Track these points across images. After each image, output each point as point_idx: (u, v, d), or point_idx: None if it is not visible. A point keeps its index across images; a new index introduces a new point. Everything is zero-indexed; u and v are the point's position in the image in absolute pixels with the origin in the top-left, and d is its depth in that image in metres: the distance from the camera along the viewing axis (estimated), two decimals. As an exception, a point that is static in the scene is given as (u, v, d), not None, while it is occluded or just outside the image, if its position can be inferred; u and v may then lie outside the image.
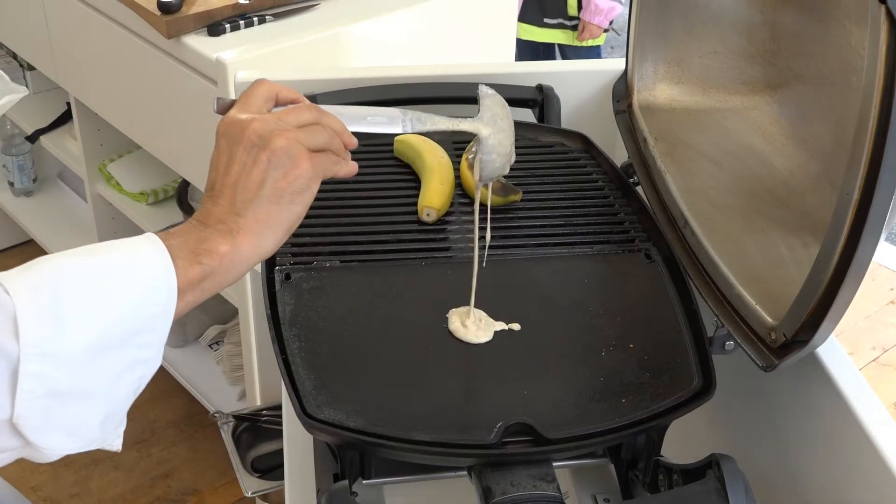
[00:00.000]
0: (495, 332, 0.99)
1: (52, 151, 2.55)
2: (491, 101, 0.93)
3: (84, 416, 0.69)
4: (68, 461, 2.24)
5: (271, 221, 0.79)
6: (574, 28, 3.27)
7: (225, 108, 0.84)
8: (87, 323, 0.67)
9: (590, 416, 0.91)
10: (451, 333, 0.99)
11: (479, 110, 0.94)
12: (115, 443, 0.74)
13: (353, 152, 1.26)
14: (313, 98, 1.30)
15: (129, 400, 0.72)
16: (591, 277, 1.09)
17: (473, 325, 0.99)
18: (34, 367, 0.64)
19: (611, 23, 3.26)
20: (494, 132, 0.92)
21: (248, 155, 0.79)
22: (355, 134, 0.87)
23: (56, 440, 0.68)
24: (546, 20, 3.29)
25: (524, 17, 3.29)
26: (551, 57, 3.50)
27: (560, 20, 3.28)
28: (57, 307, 0.66)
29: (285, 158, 0.80)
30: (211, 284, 0.76)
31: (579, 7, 3.22)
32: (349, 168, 0.86)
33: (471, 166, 1.17)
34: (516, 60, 3.30)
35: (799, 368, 0.97)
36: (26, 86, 2.58)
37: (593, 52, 3.38)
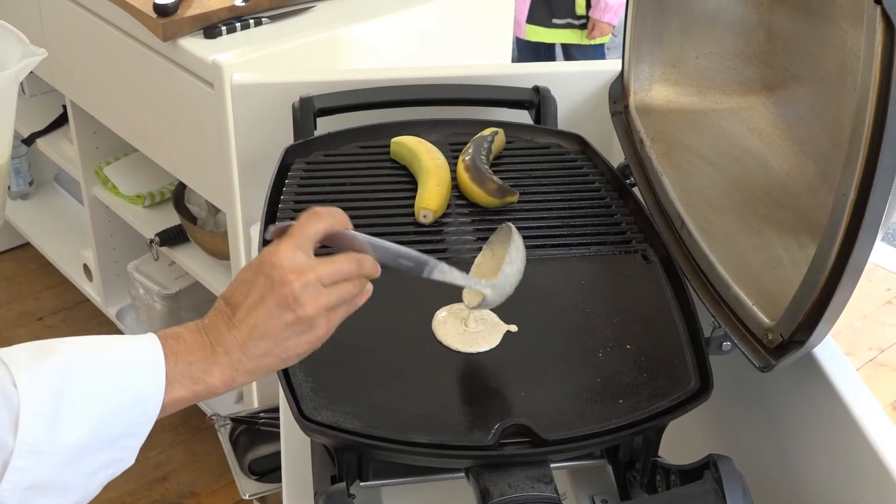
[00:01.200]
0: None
1: (49, 154, 2.55)
2: (515, 252, 0.95)
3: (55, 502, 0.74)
4: (65, 464, 2.23)
5: (268, 370, 0.84)
6: (582, 27, 3.28)
7: (277, 235, 0.85)
8: (79, 425, 0.73)
9: (587, 417, 0.91)
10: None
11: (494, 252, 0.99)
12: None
13: (350, 154, 1.26)
14: (309, 101, 1.30)
15: (96, 492, 0.78)
16: (589, 278, 1.09)
17: (473, 333, 0.99)
18: (23, 463, 0.70)
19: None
20: (498, 291, 0.94)
21: (278, 309, 0.81)
22: None
23: None
24: (555, 20, 3.30)
25: (532, 18, 3.30)
26: (552, 58, 3.50)
27: (568, 20, 3.28)
28: (56, 408, 0.72)
29: (307, 327, 0.82)
30: (182, 406, 0.82)
31: (587, 6, 3.23)
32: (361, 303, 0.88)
33: (467, 168, 1.18)
34: (517, 62, 3.31)
35: (796, 369, 0.97)
36: (22, 90, 2.58)
37: (598, 51, 3.38)
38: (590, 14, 3.23)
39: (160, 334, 0.80)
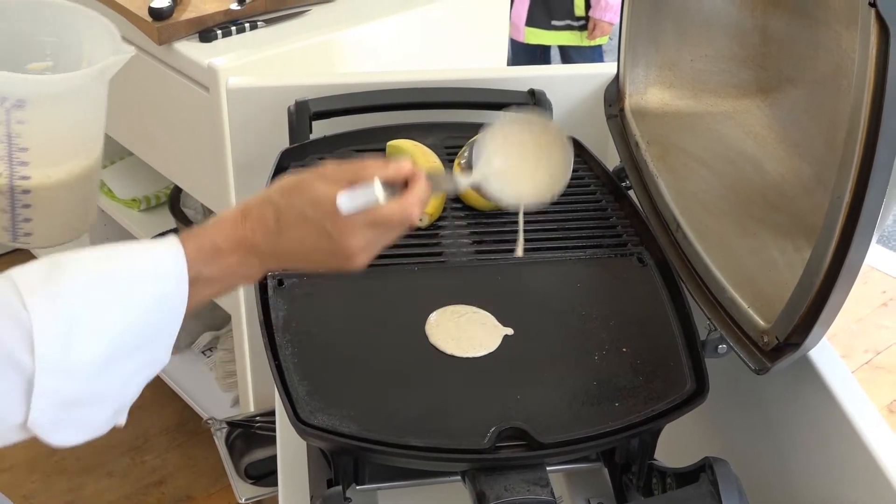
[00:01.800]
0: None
1: (44, 158, 2.54)
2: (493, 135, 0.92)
3: (95, 417, 0.73)
4: (61, 469, 2.23)
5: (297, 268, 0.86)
6: (581, 28, 3.28)
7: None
8: (100, 336, 0.71)
9: (583, 420, 0.91)
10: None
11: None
12: (122, 419, 0.77)
13: (345, 157, 1.26)
14: (305, 104, 1.30)
15: (137, 394, 0.76)
16: (584, 281, 1.09)
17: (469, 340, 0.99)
18: (49, 381, 0.68)
19: None
20: (486, 173, 0.91)
21: (327, 256, 0.80)
22: None
23: (66, 437, 0.72)
24: (554, 22, 3.29)
25: (531, 21, 3.29)
26: (547, 61, 3.50)
27: (567, 21, 3.28)
28: (71, 327, 0.70)
29: (346, 261, 0.81)
30: (219, 293, 0.80)
31: (586, 7, 3.23)
32: None
33: (463, 171, 1.17)
34: (513, 65, 3.31)
35: (791, 371, 0.97)
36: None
37: (596, 53, 3.38)
38: (590, 14, 3.23)
39: (189, 235, 0.77)
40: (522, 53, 3.44)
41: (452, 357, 0.97)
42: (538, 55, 3.47)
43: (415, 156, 1.21)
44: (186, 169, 1.89)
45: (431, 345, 0.98)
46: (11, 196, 0.95)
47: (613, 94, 1.32)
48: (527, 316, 1.02)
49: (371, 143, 1.28)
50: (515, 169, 0.93)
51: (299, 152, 1.24)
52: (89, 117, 1.05)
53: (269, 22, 1.76)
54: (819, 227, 0.82)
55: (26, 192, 0.96)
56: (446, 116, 1.35)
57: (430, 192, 0.82)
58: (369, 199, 0.79)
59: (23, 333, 0.68)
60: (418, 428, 0.89)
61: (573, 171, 1.25)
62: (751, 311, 0.96)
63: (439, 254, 1.10)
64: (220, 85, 1.60)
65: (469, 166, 1.18)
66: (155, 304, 0.74)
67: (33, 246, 1.00)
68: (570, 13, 3.27)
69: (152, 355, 0.75)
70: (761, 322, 0.94)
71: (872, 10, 0.72)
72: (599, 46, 3.38)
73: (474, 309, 1.02)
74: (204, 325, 2.37)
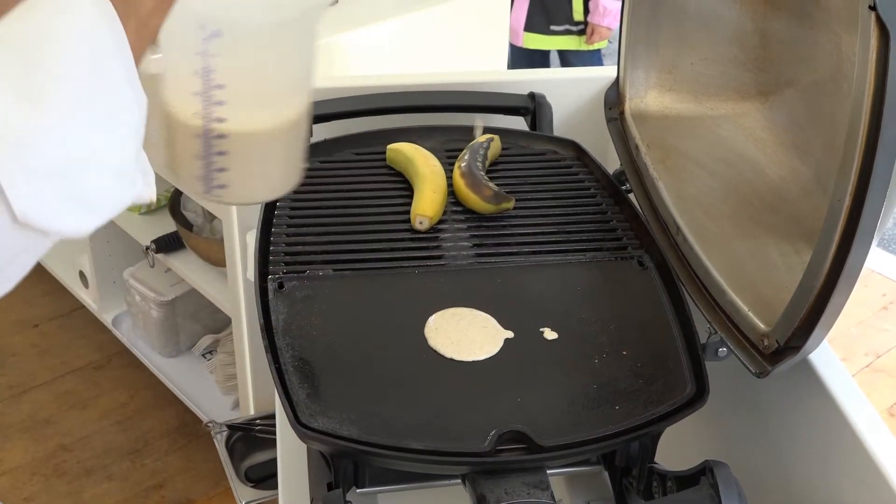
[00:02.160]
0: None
1: (45, 162, 2.54)
2: None
3: (93, 185, 0.60)
4: (61, 471, 2.23)
5: None
6: (580, 33, 3.27)
7: None
8: (38, 78, 0.58)
9: (583, 423, 0.91)
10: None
11: None
12: (144, 193, 0.65)
13: (346, 161, 1.26)
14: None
15: (131, 150, 0.64)
16: (584, 285, 1.09)
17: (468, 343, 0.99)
18: (7, 157, 0.55)
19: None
20: None
21: None
22: None
23: (76, 220, 0.60)
24: (553, 27, 3.29)
25: (530, 26, 3.29)
26: (546, 65, 3.50)
27: (566, 26, 3.28)
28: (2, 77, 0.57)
29: None
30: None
31: (585, 12, 3.22)
32: None
33: (463, 174, 1.18)
34: (512, 69, 3.30)
35: (792, 374, 0.97)
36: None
37: (595, 57, 3.38)
38: (588, 19, 3.23)
39: None
40: (521, 59, 3.44)
41: (453, 360, 0.97)
42: (537, 60, 3.47)
43: (415, 159, 1.21)
44: (187, 172, 1.89)
45: (431, 348, 0.98)
46: (206, 140, 0.84)
47: (613, 98, 1.32)
48: (526, 319, 1.02)
49: (371, 146, 1.28)
50: None
51: (300, 155, 1.24)
52: (297, 57, 0.93)
53: (269, 25, 1.76)
54: (819, 229, 0.82)
55: (222, 136, 0.84)
56: (447, 120, 1.35)
57: None
58: None
59: None
60: (418, 431, 0.89)
61: (573, 174, 1.26)
62: (751, 315, 0.96)
63: (439, 257, 1.10)
64: (220, 88, 1.60)
65: (469, 170, 1.18)
66: (84, 31, 0.60)
67: (227, 200, 0.87)
68: (568, 18, 3.26)
69: (111, 92, 0.61)
70: (761, 325, 0.94)
71: (872, 13, 0.72)
72: (598, 51, 3.38)
73: (474, 311, 1.02)
74: (204, 328, 2.37)
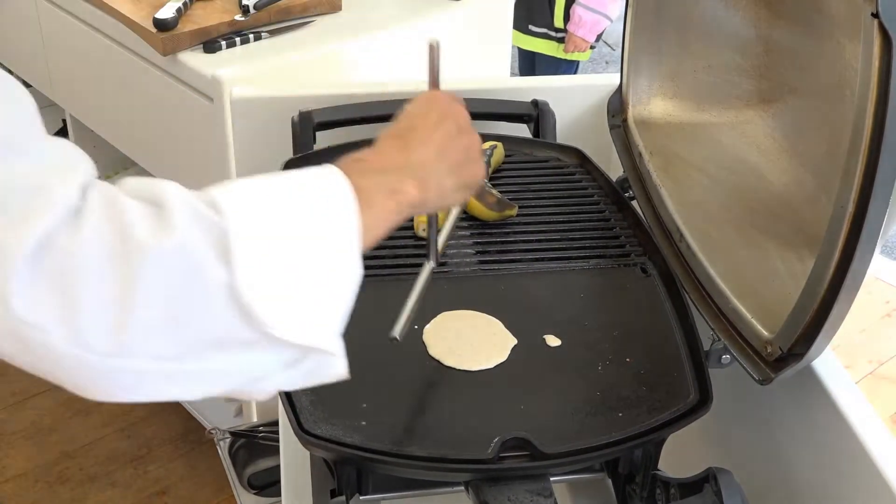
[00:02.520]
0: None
1: (48, 168, 2.54)
2: None
3: (303, 296, 0.67)
4: (65, 479, 2.23)
5: (444, 198, 0.84)
6: (559, 41, 3.23)
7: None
8: (282, 210, 0.68)
9: (587, 430, 0.91)
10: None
11: None
12: (337, 354, 0.70)
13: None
14: (308, 115, 1.30)
15: (343, 300, 0.70)
16: (588, 292, 1.09)
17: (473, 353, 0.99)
18: (245, 241, 0.64)
19: (597, 38, 3.21)
20: None
21: (458, 132, 0.85)
22: None
23: (282, 319, 0.65)
24: (532, 28, 3.24)
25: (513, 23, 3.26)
26: (533, 65, 3.45)
27: (545, 30, 3.24)
28: (251, 193, 0.68)
29: (476, 156, 0.87)
30: (394, 221, 0.78)
31: (566, 20, 3.18)
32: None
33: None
34: (517, 67, 3.27)
35: (795, 381, 0.97)
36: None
37: (572, 68, 3.32)
38: (567, 27, 3.18)
39: (339, 162, 0.77)
40: (523, 57, 3.40)
41: (456, 368, 0.97)
42: (525, 59, 3.42)
43: (418, 166, 1.21)
44: (190, 179, 1.88)
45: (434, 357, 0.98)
46: None
47: (617, 105, 1.32)
48: (530, 326, 1.02)
49: (374, 153, 1.28)
50: None
51: (303, 163, 1.24)
52: None
53: (273, 33, 1.77)
54: (822, 236, 0.82)
55: None
56: (450, 127, 1.35)
57: None
58: None
59: (207, 199, 0.66)
60: (422, 438, 0.89)
61: (577, 181, 1.26)
62: (754, 322, 0.96)
63: (443, 264, 1.10)
64: (224, 95, 1.60)
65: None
66: (325, 200, 0.71)
67: None
68: (548, 22, 3.21)
69: (337, 252, 0.70)
70: (765, 332, 0.94)
71: (875, 21, 0.72)
72: (576, 63, 3.31)
73: (473, 313, 1.01)
74: (207, 335, 2.37)
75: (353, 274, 0.71)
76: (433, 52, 0.92)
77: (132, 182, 0.67)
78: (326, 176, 0.73)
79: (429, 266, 0.95)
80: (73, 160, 0.63)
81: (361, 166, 0.77)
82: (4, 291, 0.57)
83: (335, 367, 0.71)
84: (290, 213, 0.68)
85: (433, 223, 0.95)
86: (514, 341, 1.00)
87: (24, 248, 0.57)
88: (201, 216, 0.64)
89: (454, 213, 1.02)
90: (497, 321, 1.02)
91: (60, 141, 0.64)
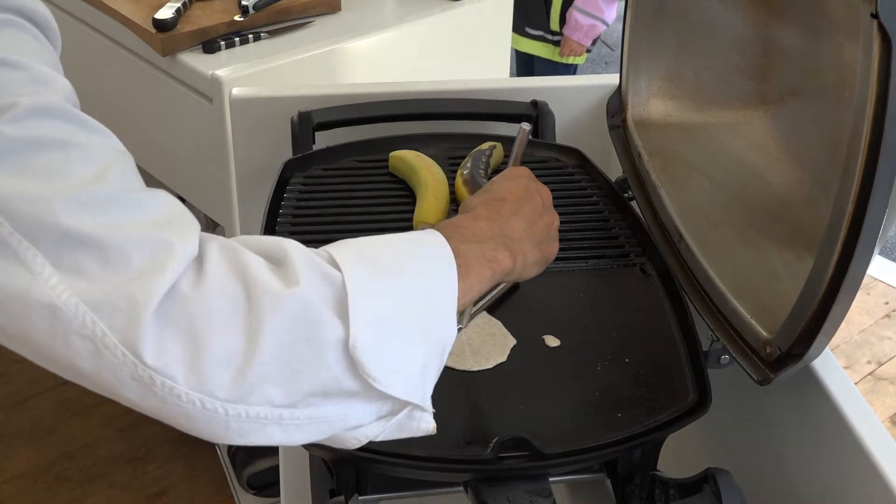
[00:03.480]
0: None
1: (48, 169, 2.54)
2: None
3: (407, 353, 0.71)
4: (64, 479, 2.23)
5: (528, 269, 0.88)
6: (556, 44, 3.22)
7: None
8: (393, 271, 0.72)
9: (586, 430, 0.91)
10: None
11: None
12: (428, 409, 0.75)
13: (349, 168, 1.26)
14: (308, 115, 1.30)
15: (439, 358, 0.75)
16: (587, 292, 1.09)
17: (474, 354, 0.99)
18: (360, 298, 0.67)
19: (594, 42, 3.20)
20: None
21: (543, 210, 0.91)
22: None
23: (388, 374, 0.69)
24: (528, 30, 3.24)
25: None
26: (531, 67, 3.44)
27: (541, 32, 3.23)
28: (365, 256, 0.71)
29: (556, 234, 0.93)
30: (486, 287, 0.82)
31: (562, 22, 3.17)
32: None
33: (465, 182, 1.18)
34: (515, 69, 3.26)
35: (794, 382, 0.97)
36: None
37: (569, 71, 3.31)
38: (563, 31, 3.17)
39: (439, 227, 0.81)
40: (520, 59, 3.40)
41: (455, 368, 0.97)
42: (522, 61, 3.42)
43: (417, 166, 1.21)
44: (190, 179, 1.89)
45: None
46: None
47: (616, 105, 1.32)
48: (529, 326, 1.02)
49: (374, 153, 1.28)
50: None
51: (302, 163, 1.25)
52: None
53: (272, 33, 1.77)
54: (821, 237, 0.82)
55: None
56: (449, 127, 1.35)
57: None
58: None
59: (324, 256, 0.69)
60: (421, 438, 0.89)
61: (576, 181, 1.26)
62: (753, 322, 0.96)
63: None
64: (223, 95, 1.60)
65: (471, 177, 1.18)
66: (429, 259, 0.76)
67: None
68: (544, 25, 3.20)
69: (439, 313, 0.74)
70: (764, 333, 0.94)
71: (874, 22, 0.72)
72: (573, 67, 3.30)
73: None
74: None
75: (450, 335, 0.75)
76: (523, 134, 0.98)
77: (249, 238, 0.70)
78: (432, 242, 0.77)
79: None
80: (184, 213, 0.66)
81: (461, 233, 0.81)
82: (134, 342, 0.60)
83: (425, 423, 0.75)
84: (400, 275, 0.72)
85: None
86: (514, 342, 1.00)
87: (151, 299, 0.60)
88: (321, 271, 0.67)
89: (502, 286, 1.05)
90: (496, 321, 1.02)
91: (163, 192, 0.66)
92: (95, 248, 0.60)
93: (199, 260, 0.64)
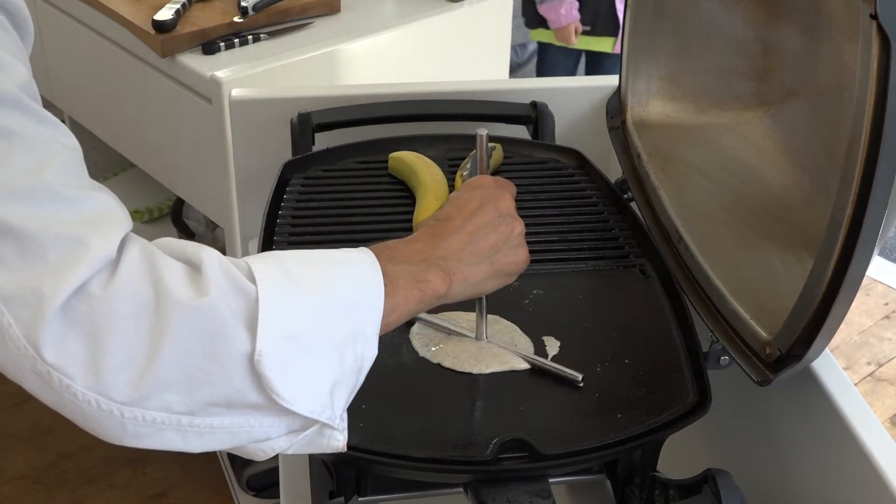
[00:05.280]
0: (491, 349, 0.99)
1: (47, 170, 2.54)
2: None
3: (316, 371, 0.70)
4: (63, 480, 2.23)
5: (475, 286, 0.86)
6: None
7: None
8: (312, 288, 0.71)
9: (585, 431, 0.91)
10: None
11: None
12: (338, 428, 0.75)
13: (349, 169, 1.26)
14: (307, 116, 1.30)
15: (353, 378, 0.74)
16: (586, 293, 1.10)
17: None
18: (272, 314, 0.67)
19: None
20: None
21: (497, 220, 0.88)
22: None
23: (293, 391, 0.68)
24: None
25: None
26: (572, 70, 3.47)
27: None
28: (286, 269, 0.71)
29: (517, 242, 0.89)
30: (415, 310, 0.81)
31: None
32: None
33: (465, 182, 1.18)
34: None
35: (794, 383, 0.97)
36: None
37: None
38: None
39: (373, 248, 0.80)
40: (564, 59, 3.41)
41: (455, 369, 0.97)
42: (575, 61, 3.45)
43: (417, 168, 1.21)
44: (189, 180, 1.90)
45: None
46: None
47: (615, 106, 1.32)
48: (529, 327, 1.02)
49: (374, 154, 1.28)
50: None
51: (302, 164, 1.25)
52: None
53: (271, 34, 1.77)
54: (821, 238, 0.82)
55: None
56: (449, 128, 1.35)
57: None
58: None
59: (242, 268, 0.69)
60: (420, 439, 0.89)
61: (576, 182, 1.26)
62: (753, 323, 0.96)
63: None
64: (223, 97, 1.60)
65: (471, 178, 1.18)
66: (354, 278, 0.75)
67: None
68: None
69: (357, 332, 0.73)
70: (763, 333, 0.94)
71: (874, 22, 0.73)
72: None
73: (473, 315, 1.01)
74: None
75: (368, 355, 0.75)
76: (481, 141, 0.95)
77: (172, 242, 0.70)
78: (360, 261, 0.77)
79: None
80: (114, 214, 0.66)
81: (391, 254, 0.80)
82: (35, 337, 0.61)
83: (335, 440, 0.75)
84: (319, 291, 0.72)
85: (482, 304, 0.98)
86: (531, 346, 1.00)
87: (58, 295, 0.60)
88: (235, 283, 0.67)
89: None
90: (500, 318, 1.02)
91: (103, 192, 0.67)
92: (16, 238, 0.61)
93: (116, 262, 0.64)
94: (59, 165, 0.64)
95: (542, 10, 3.19)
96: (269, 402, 0.68)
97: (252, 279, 0.67)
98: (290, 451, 0.74)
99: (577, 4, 3.18)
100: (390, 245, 0.83)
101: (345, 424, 0.76)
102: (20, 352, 0.61)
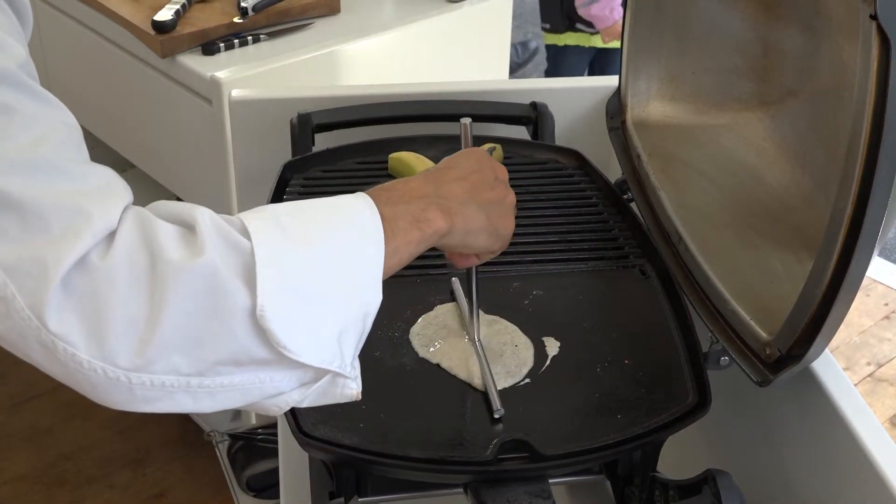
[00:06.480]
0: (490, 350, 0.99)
1: (47, 171, 2.54)
2: None
3: (320, 321, 0.70)
4: (63, 481, 2.23)
5: (470, 235, 0.84)
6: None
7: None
8: (308, 237, 0.71)
9: (585, 432, 0.91)
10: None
11: None
12: (350, 376, 0.74)
13: (348, 170, 1.26)
14: (307, 117, 1.30)
15: (360, 325, 0.73)
16: (586, 294, 1.10)
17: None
18: (269, 267, 0.66)
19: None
20: None
21: (494, 181, 0.87)
22: None
23: (299, 343, 0.68)
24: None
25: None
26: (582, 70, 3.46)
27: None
28: (281, 223, 0.70)
29: (509, 210, 0.89)
30: (416, 251, 0.79)
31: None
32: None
33: None
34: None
35: (794, 383, 0.97)
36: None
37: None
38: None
39: (369, 191, 0.79)
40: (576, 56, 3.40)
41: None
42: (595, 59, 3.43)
43: (417, 168, 1.21)
44: (189, 181, 1.90)
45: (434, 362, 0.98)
46: None
47: (615, 107, 1.32)
48: (529, 328, 1.02)
49: (374, 155, 1.28)
50: None
51: (302, 164, 1.25)
52: None
53: (271, 35, 1.77)
54: (821, 238, 0.82)
55: None
56: (449, 129, 1.35)
57: None
58: None
59: (236, 224, 0.68)
60: (420, 440, 0.89)
61: (575, 183, 1.26)
62: (753, 323, 0.96)
63: (441, 266, 1.10)
64: (222, 97, 1.60)
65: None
66: (352, 223, 0.74)
67: None
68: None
69: (362, 279, 0.73)
70: (763, 334, 0.94)
71: (873, 23, 0.73)
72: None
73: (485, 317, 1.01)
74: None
75: (373, 300, 0.73)
76: (465, 129, 0.95)
77: (165, 205, 0.70)
78: (356, 206, 0.76)
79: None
80: (115, 185, 0.66)
81: (388, 196, 0.79)
82: (39, 305, 0.61)
83: (348, 388, 0.74)
84: (317, 240, 0.71)
85: (472, 274, 0.96)
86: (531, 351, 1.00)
87: (61, 265, 0.61)
88: (229, 240, 0.66)
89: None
90: (500, 319, 1.02)
91: (103, 167, 0.67)
92: (18, 210, 0.61)
93: (115, 231, 0.64)
94: (59, 140, 0.65)
95: (593, 11, 3.13)
96: (277, 356, 0.67)
97: (246, 234, 0.67)
98: (304, 404, 0.73)
99: None
100: (387, 186, 0.81)
101: (357, 372, 0.75)
102: (25, 322, 0.62)
